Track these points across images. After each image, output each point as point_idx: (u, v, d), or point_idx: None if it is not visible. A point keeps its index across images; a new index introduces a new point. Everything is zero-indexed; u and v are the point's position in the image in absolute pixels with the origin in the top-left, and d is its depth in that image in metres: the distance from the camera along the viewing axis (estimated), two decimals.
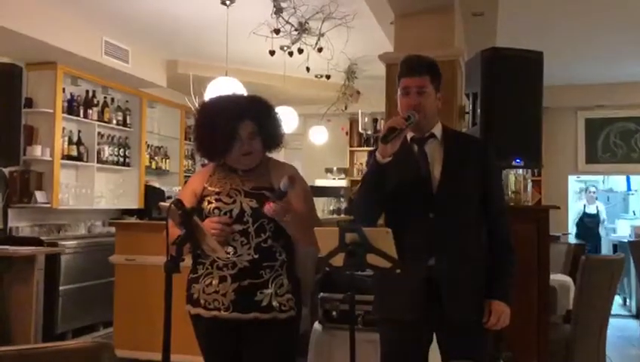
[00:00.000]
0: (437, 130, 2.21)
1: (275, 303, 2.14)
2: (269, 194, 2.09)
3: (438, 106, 2.22)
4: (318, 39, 5.31)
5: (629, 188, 9.23)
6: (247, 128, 2.18)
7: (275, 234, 2.17)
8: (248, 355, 2.18)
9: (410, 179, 2.14)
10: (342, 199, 7.46)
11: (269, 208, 2.06)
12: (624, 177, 9.06)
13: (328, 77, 6.40)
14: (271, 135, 2.27)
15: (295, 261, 2.27)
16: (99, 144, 6.38)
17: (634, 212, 8.91)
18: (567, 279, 4.69)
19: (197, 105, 2.42)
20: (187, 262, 2.00)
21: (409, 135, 2.19)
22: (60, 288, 5.26)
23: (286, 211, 2.07)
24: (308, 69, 5.65)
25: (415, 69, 2.17)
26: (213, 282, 2.16)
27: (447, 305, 2.09)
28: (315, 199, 2.49)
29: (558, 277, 4.25)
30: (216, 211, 2.18)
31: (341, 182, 8.22)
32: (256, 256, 2.14)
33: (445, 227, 2.11)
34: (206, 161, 2.44)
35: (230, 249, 2.14)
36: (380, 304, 2.23)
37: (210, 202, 2.20)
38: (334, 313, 3.09)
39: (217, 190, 2.22)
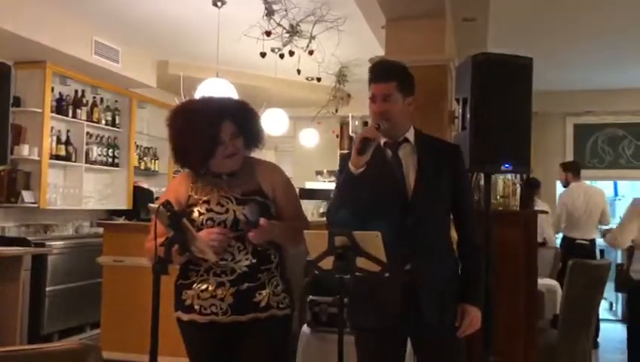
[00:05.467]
0: (410, 135, 2.22)
1: (272, 302, 2.15)
2: (245, 222, 2.10)
3: (408, 111, 2.20)
4: (310, 42, 5.31)
5: (616, 194, 9.30)
6: (229, 129, 2.13)
7: None
8: (244, 353, 2.15)
9: (385, 185, 2.14)
10: (333, 199, 7.45)
11: (252, 236, 2.07)
12: (611, 183, 9.14)
13: (319, 80, 6.41)
14: (252, 133, 2.23)
15: (286, 262, 2.27)
16: (87, 144, 6.34)
17: (621, 217, 8.99)
18: (555, 283, 4.72)
19: (168, 111, 2.34)
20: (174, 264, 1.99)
21: (382, 140, 2.20)
22: (47, 289, 5.22)
23: (269, 233, 2.08)
24: (299, 71, 5.65)
25: (381, 75, 2.16)
26: (210, 288, 2.12)
27: (426, 310, 2.09)
28: (305, 202, 2.49)
29: (545, 282, 4.27)
30: (209, 222, 2.12)
31: (331, 185, 8.22)
32: (254, 261, 2.13)
33: (421, 232, 2.11)
34: None
35: (228, 256, 2.11)
36: (355, 311, 2.20)
37: (201, 213, 2.14)
38: (323, 316, 3.08)
39: (205, 198, 2.16)
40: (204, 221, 2.13)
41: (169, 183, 2.48)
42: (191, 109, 2.20)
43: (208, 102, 2.23)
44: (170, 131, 2.21)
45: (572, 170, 6.38)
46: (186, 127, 2.13)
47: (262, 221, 2.06)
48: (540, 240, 5.69)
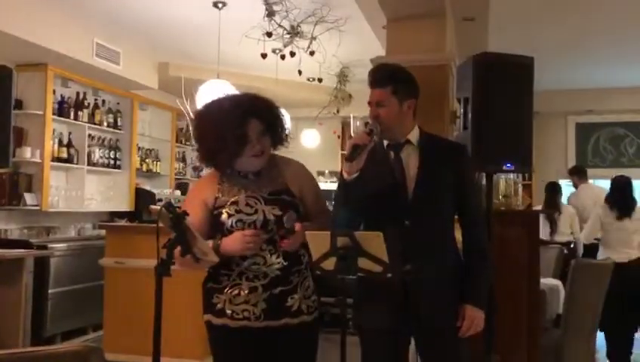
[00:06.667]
0: (413, 136, 2.21)
1: (303, 306, 2.14)
2: (275, 222, 2.10)
3: (409, 114, 2.19)
4: (310, 42, 5.32)
5: None
6: (256, 127, 2.11)
7: None
8: (276, 360, 2.15)
9: (385, 187, 2.14)
10: (334, 202, 7.45)
11: (287, 245, 2.07)
12: None
13: (320, 80, 6.41)
14: (278, 131, 2.20)
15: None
16: (89, 146, 6.34)
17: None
18: (557, 283, 4.70)
19: (193, 111, 2.30)
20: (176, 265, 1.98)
21: (385, 142, 2.20)
22: (49, 291, 5.21)
23: (303, 237, 2.05)
24: (300, 72, 5.65)
25: (375, 81, 2.17)
26: (242, 292, 2.10)
27: (423, 311, 2.09)
28: None
29: (548, 281, 4.26)
30: (239, 224, 2.09)
31: (333, 186, 8.21)
32: (285, 263, 2.11)
33: (420, 233, 2.11)
34: (198, 164, 2.38)
35: (260, 259, 2.10)
36: (358, 312, 2.23)
37: (230, 214, 2.11)
38: (325, 317, 3.08)
39: (233, 199, 2.13)
40: (234, 223, 2.10)
41: (192, 186, 2.45)
42: (218, 108, 2.15)
43: (235, 101, 2.17)
44: (198, 130, 2.18)
45: (577, 174, 6.66)
46: (214, 126, 2.09)
47: (297, 226, 2.05)
48: (570, 238, 6.05)
